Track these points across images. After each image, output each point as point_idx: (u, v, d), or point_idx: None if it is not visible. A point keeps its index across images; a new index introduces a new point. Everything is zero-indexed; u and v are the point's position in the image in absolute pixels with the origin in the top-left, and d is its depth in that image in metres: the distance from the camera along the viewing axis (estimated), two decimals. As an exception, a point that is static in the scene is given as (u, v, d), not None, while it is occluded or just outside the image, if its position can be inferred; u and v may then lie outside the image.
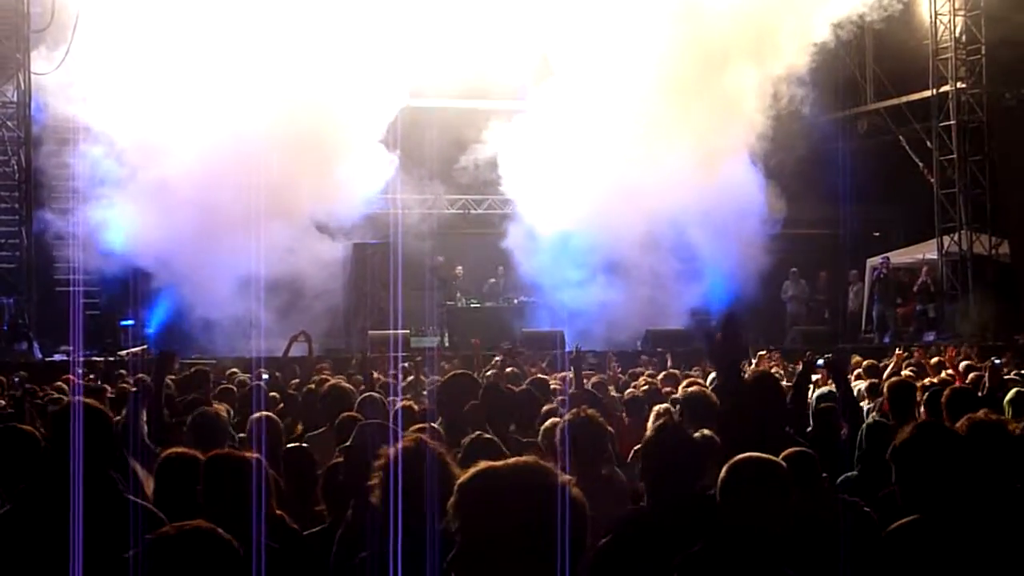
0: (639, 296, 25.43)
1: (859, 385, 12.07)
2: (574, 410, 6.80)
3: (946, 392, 8.52)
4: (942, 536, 4.73)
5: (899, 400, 8.66)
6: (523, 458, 3.33)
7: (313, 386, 11.20)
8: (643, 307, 25.49)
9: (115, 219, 23.06)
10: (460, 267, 27.13)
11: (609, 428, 7.07)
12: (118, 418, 7.72)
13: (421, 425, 7.21)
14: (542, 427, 7.48)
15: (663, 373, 14.47)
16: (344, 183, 24.43)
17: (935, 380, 11.54)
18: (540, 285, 26.18)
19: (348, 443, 6.50)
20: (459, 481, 3.26)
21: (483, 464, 3.28)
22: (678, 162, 24.44)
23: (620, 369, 16.41)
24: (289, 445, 7.66)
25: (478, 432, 6.65)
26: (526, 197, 25.69)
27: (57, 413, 5.74)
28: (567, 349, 20.71)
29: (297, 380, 14.08)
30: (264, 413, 8.35)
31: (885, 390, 8.99)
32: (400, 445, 4.68)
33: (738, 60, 25.16)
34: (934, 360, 14.39)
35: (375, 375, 11.92)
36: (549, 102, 25.57)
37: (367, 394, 9.20)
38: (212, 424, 7.72)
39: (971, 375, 12.52)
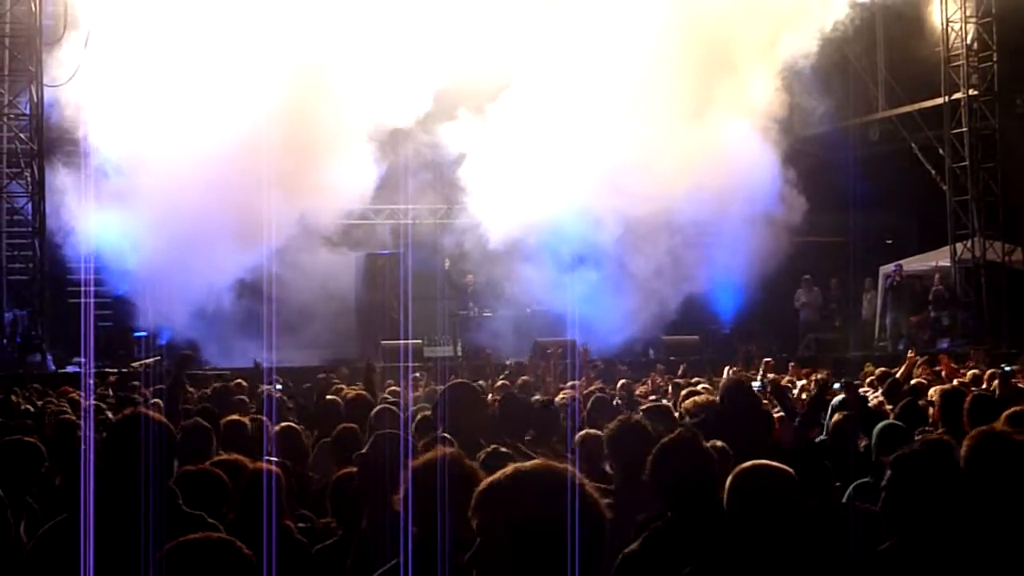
0: (646, 302, 25.38)
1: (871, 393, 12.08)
2: (621, 416, 6.81)
3: (968, 399, 8.48)
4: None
5: (951, 408, 8.50)
6: (546, 461, 3.36)
7: (332, 396, 11.25)
8: (652, 313, 25.49)
9: (125, 231, 23.09)
10: (471, 275, 26.93)
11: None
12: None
13: (434, 435, 7.20)
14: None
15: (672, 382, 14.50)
16: (328, 187, 24.30)
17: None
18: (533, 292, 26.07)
19: (364, 451, 6.48)
20: (485, 482, 3.29)
21: (511, 466, 3.32)
22: (679, 157, 24.22)
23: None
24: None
25: (494, 445, 6.62)
26: (505, 199, 25.07)
27: (118, 422, 5.67)
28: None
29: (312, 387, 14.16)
30: (286, 424, 8.36)
31: (937, 398, 8.89)
32: (436, 455, 4.62)
33: (743, 46, 25.10)
34: (943, 369, 14.36)
35: (388, 385, 11.95)
36: (528, 97, 25.10)
37: (382, 406, 9.23)
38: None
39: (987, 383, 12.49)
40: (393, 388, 12.36)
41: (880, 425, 8.06)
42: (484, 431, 7.48)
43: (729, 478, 4.92)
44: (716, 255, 25.45)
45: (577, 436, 7.73)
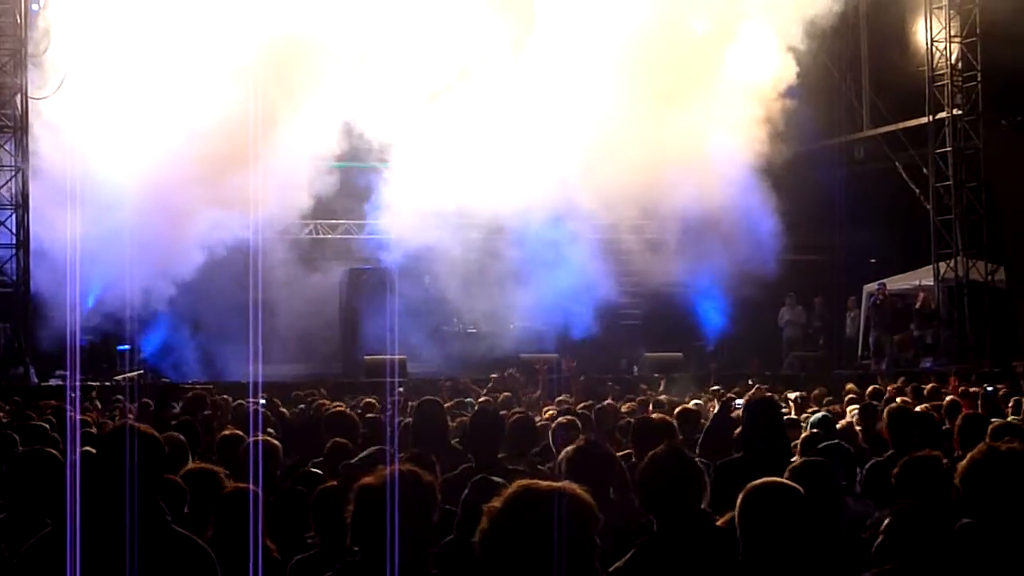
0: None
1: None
2: (583, 437, 6.86)
3: (959, 419, 8.54)
4: None
5: (898, 427, 8.55)
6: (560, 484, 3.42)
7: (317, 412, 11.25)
8: (627, 328, 25.58)
9: (108, 243, 22.94)
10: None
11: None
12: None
13: (415, 452, 7.19)
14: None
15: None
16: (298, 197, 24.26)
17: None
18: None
19: (351, 462, 6.45)
20: (496, 506, 3.33)
21: (519, 487, 3.35)
22: (656, 169, 24.23)
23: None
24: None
25: (481, 475, 6.59)
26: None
27: (106, 435, 5.60)
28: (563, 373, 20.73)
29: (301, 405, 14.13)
30: (260, 438, 8.30)
31: (884, 416, 8.92)
32: (385, 473, 4.60)
33: (725, 61, 25.27)
34: (929, 387, 14.42)
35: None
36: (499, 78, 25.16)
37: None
38: None
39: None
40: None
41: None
42: (455, 447, 7.49)
43: (740, 495, 4.95)
44: (694, 268, 25.51)
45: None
